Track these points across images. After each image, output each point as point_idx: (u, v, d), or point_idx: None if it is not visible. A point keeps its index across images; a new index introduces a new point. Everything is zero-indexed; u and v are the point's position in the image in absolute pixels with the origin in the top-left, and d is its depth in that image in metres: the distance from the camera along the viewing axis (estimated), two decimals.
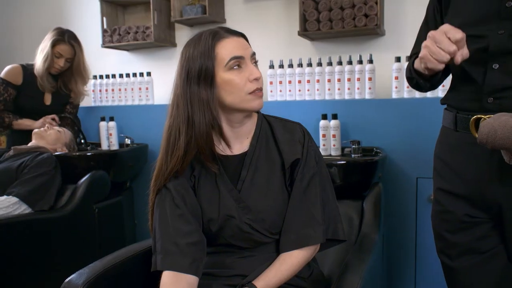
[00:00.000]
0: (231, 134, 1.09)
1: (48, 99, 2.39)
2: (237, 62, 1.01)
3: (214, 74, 1.01)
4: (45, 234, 1.92)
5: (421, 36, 1.15)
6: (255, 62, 1.06)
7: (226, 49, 1.01)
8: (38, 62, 2.29)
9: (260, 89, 1.04)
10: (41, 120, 2.32)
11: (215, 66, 1.01)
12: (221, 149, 1.08)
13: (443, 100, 1.10)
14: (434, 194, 1.10)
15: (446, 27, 0.86)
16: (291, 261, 1.06)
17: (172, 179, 1.06)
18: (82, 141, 2.59)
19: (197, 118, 1.01)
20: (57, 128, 2.26)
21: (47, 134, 2.19)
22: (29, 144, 2.16)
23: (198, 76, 1.01)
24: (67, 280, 1.05)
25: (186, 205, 1.06)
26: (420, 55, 0.92)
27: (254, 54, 1.06)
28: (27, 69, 2.34)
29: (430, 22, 1.11)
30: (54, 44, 2.27)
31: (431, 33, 0.88)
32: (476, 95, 0.97)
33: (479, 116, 0.94)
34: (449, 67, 1.06)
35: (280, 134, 1.12)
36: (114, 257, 1.17)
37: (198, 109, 1.01)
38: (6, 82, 2.28)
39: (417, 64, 0.99)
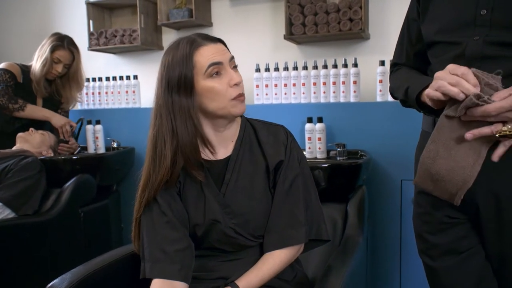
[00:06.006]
0: (215, 138, 1.09)
1: (39, 104, 2.37)
2: (216, 68, 1.02)
3: (193, 83, 1.01)
4: (30, 238, 1.90)
5: (403, 43, 1.15)
6: (235, 67, 1.07)
7: (204, 56, 1.01)
8: (37, 67, 2.26)
9: (242, 94, 1.05)
10: (65, 121, 2.32)
11: (195, 75, 1.01)
12: (206, 154, 1.09)
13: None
14: (415, 197, 1.12)
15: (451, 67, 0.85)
16: (273, 260, 1.07)
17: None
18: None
19: (180, 128, 1.01)
20: (40, 131, 2.23)
21: (32, 138, 2.17)
22: (14, 148, 2.14)
23: (178, 85, 1.01)
24: (49, 285, 1.04)
25: (172, 212, 1.06)
26: (435, 91, 0.87)
27: (233, 58, 1.06)
28: (24, 71, 2.31)
29: (411, 30, 1.11)
30: (53, 50, 2.26)
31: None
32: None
33: None
34: (427, 71, 1.08)
35: (264, 136, 1.13)
36: (98, 261, 1.16)
37: (180, 118, 1.01)
38: (10, 72, 2.24)
39: (425, 98, 0.92)
